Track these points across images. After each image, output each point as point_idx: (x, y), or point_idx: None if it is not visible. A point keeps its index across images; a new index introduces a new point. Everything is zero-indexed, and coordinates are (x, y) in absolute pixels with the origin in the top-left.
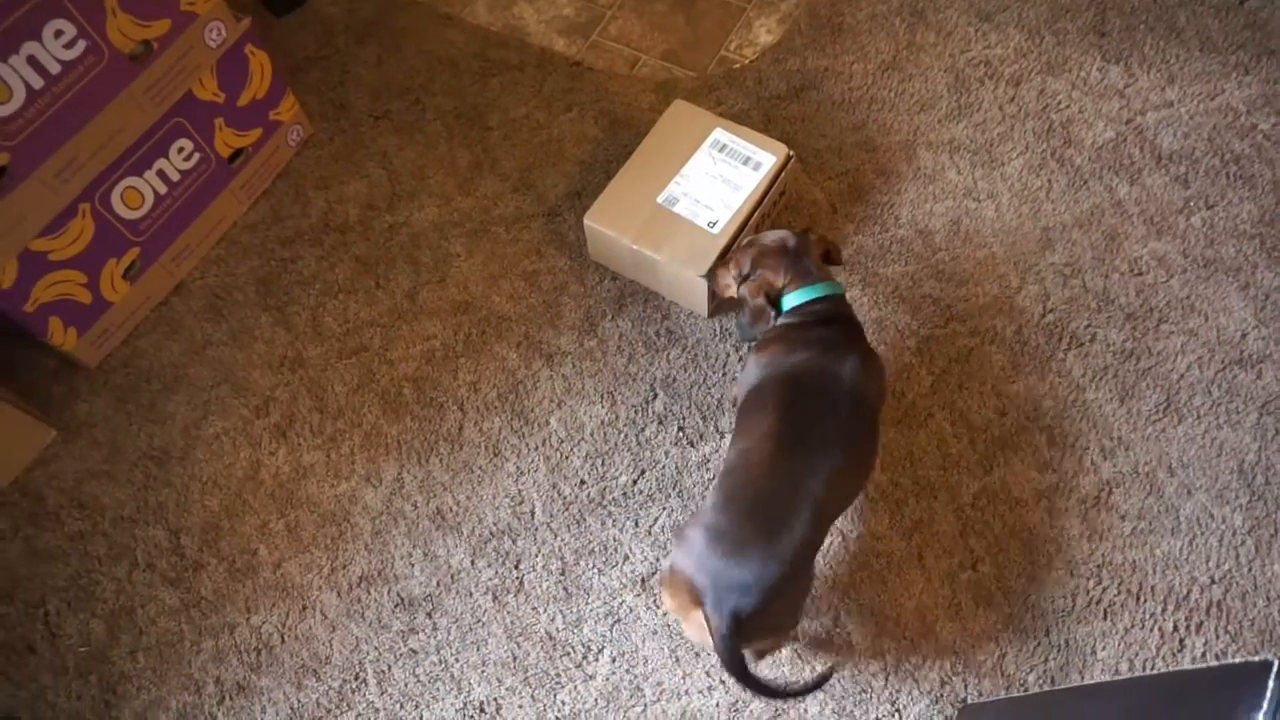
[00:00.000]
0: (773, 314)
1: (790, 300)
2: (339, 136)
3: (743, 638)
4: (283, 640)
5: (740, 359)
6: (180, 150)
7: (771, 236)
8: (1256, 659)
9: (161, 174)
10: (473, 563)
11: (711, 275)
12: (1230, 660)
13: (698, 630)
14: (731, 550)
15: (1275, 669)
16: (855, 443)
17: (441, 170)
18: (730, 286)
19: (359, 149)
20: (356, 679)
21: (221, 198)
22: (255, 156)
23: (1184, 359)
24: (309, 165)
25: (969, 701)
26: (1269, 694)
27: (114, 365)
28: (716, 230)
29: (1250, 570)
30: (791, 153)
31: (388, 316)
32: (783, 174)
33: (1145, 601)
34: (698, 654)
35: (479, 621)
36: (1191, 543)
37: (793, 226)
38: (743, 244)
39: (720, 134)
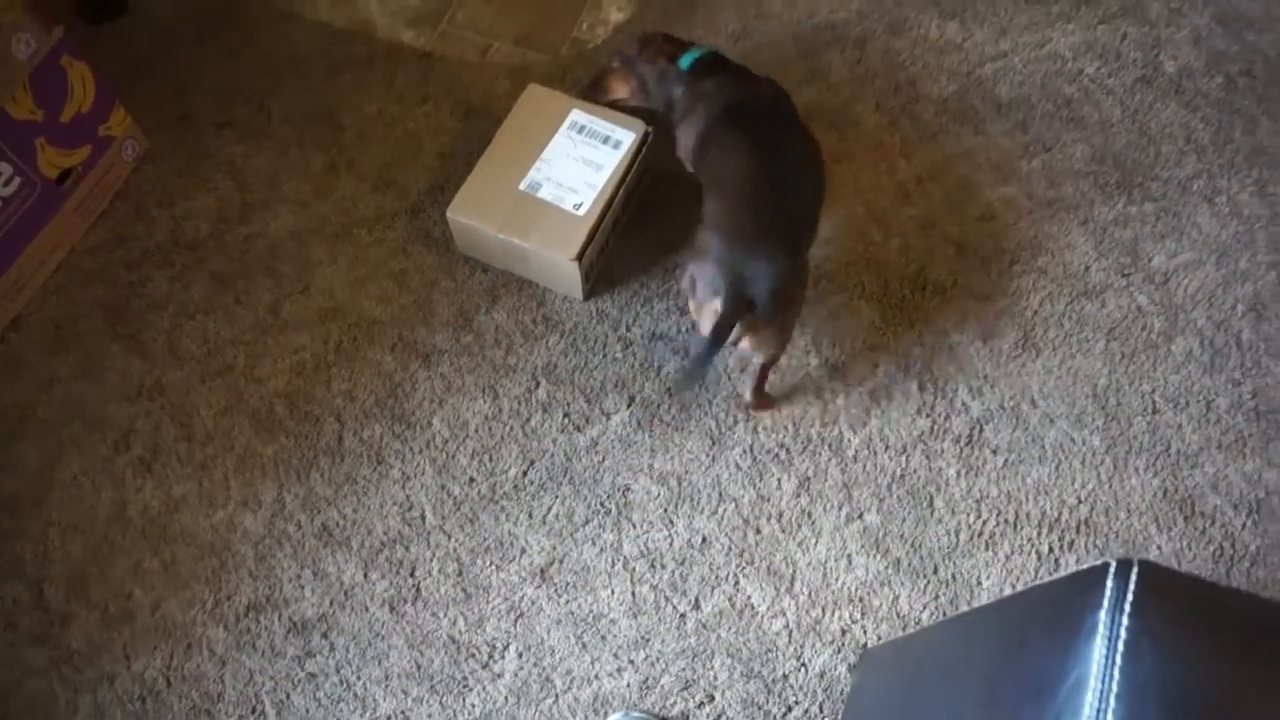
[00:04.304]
0: (674, 70)
1: (687, 59)
2: (181, 149)
3: (758, 317)
4: (169, 684)
5: (623, 339)
6: None
7: (629, 39)
8: (1099, 563)
9: None
10: (365, 576)
11: (598, 87)
12: (1081, 568)
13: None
14: (749, 245)
15: (1111, 569)
16: (807, 141)
17: (295, 175)
18: (620, 85)
19: (204, 160)
20: (254, 712)
21: (55, 223)
22: (88, 176)
23: (1036, 296)
24: (150, 181)
25: (869, 646)
26: (1107, 592)
27: None
28: (582, 212)
29: (1111, 486)
30: (650, 129)
31: (251, 333)
32: (644, 150)
33: (1022, 528)
34: (604, 637)
35: (378, 635)
36: (1058, 468)
37: (658, 205)
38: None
39: (578, 115)
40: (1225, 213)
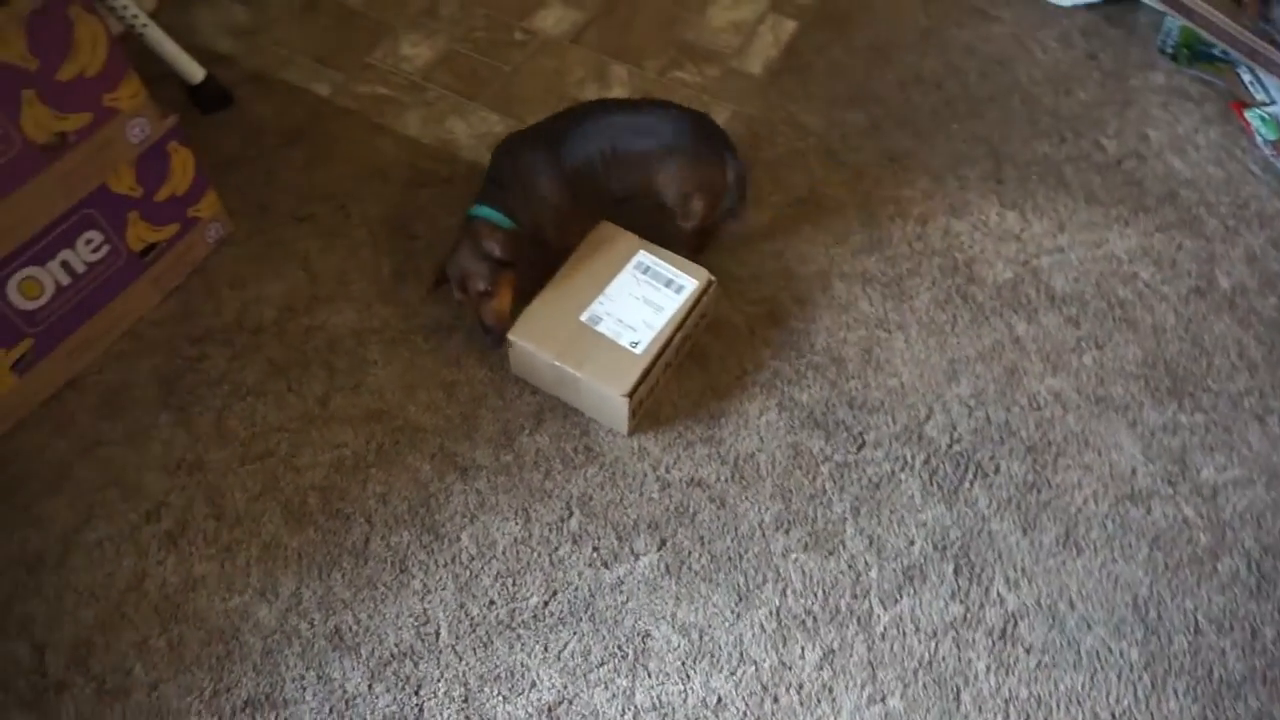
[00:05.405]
0: (490, 232)
1: (481, 210)
2: (259, 236)
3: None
4: None
5: (657, 477)
6: (88, 242)
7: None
8: None
9: (66, 265)
10: (370, 687)
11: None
12: None
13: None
14: (682, 148)
15: None
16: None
17: (364, 276)
18: (505, 284)
19: (279, 250)
20: None
21: (129, 291)
22: (170, 251)
23: (1080, 493)
24: (225, 263)
25: None
26: None
27: None
28: (639, 350)
29: (1147, 706)
30: (713, 278)
31: (298, 422)
32: (704, 298)
33: None
34: None
35: None
36: (1092, 678)
37: (711, 351)
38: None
39: (644, 256)
40: (1276, 434)
